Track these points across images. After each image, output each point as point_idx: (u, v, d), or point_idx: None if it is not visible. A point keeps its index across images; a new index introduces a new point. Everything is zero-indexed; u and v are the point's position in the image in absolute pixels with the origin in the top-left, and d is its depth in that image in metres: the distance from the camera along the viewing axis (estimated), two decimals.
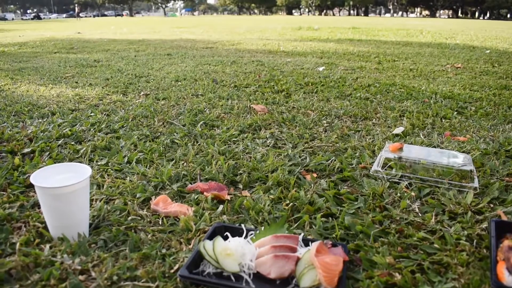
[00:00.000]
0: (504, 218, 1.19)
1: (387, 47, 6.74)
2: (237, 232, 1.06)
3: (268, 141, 1.88)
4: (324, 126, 2.14)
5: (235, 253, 0.94)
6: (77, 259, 0.97)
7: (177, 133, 1.99)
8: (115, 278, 0.91)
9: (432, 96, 2.85)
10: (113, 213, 1.21)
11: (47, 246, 1.02)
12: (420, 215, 1.21)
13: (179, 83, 3.35)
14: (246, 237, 1.05)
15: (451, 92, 2.98)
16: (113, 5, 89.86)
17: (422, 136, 1.99)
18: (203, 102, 2.65)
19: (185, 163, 1.60)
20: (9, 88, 3.12)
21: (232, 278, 0.92)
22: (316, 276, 0.89)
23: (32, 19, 56.82)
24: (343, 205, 1.27)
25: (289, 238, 1.01)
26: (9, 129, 2.04)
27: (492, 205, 1.27)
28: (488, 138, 1.94)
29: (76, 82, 3.38)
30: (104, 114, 2.34)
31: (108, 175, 1.50)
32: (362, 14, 74.18)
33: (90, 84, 3.31)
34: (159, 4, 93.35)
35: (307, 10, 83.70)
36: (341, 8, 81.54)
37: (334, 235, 1.10)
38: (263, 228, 1.09)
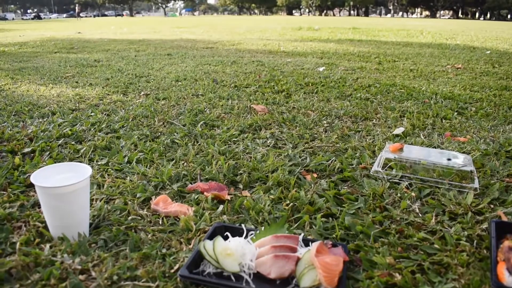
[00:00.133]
0: (504, 218, 1.19)
1: (387, 48, 6.74)
2: (237, 232, 1.06)
3: (268, 141, 1.88)
4: (324, 126, 2.14)
5: (235, 253, 0.94)
6: (77, 259, 0.97)
7: (177, 133, 1.99)
8: (115, 277, 0.91)
9: (433, 96, 2.85)
10: (113, 212, 1.21)
11: (47, 245, 1.02)
12: (420, 215, 1.21)
13: (180, 83, 3.35)
14: (246, 237, 1.05)
15: (451, 92, 2.98)
16: (113, 5, 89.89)
17: (422, 137, 1.99)
18: (204, 102, 2.65)
19: (185, 163, 1.60)
20: (9, 88, 3.12)
21: (232, 278, 0.92)
22: (316, 276, 0.89)
23: (32, 19, 56.86)
24: (343, 205, 1.27)
25: (289, 238, 1.01)
26: (9, 128, 2.04)
27: (492, 206, 1.27)
28: (489, 139, 1.94)
29: (77, 82, 3.38)
30: (105, 114, 2.34)
31: (108, 174, 1.50)
32: (363, 15, 74.20)
33: (91, 84, 3.31)
34: (159, 4, 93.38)
35: (307, 10, 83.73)
36: (341, 8, 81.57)
37: (334, 235, 1.10)
38: (263, 228, 1.09)
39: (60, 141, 1.86)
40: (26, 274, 0.92)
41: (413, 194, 1.33)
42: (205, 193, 1.33)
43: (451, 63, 4.73)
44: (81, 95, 2.86)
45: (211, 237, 1.03)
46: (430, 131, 2.08)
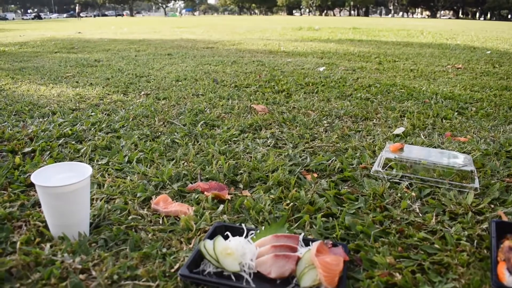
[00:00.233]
0: (504, 218, 1.19)
1: (387, 48, 6.74)
2: (237, 232, 1.06)
3: (268, 141, 1.88)
4: (324, 126, 2.14)
5: (235, 252, 0.94)
6: (77, 258, 0.97)
7: (177, 133, 1.99)
8: (115, 277, 0.91)
9: (433, 96, 2.85)
10: (114, 212, 1.21)
11: (48, 245, 1.02)
12: (420, 215, 1.21)
13: (180, 83, 3.35)
14: (246, 236, 1.05)
15: (451, 92, 2.98)
16: (113, 5, 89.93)
17: (422, 137, 1.99)
18: (204, 102, 2.65)
19: (185, 163, 1.60)
20: (9, 88, 3.12)
21: (233, 277, 0.92)
22: (316, 275, 0.89)
23: (32, 19, 56.87)
24: (343, 205, 1.27)
25: (290, 238, 1.01)
26: (9, 128, 2.04)
27: (492, 206, 1.27)
28: (489, 139, 1.94)
29: (77, 82, 3.39)
30: (105, 114, 2.35)
31: (108, 174, 1.50)
32: (363, 15, 74.19)
33: (91, 83, 3.31)
34: (160, 4, 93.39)
35: (307, 10, 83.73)
36: (341, 8, 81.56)
37: (334, 235, 1.10)
38: (263, 227, 1.09)
39: (60, 141, 1.86)
40: (26, 274, 0.92)
41: (413, 194, 1.33)
42: (205, 192, 1.33)
43: (451, 63, 4.73)
44: (81, 95, 2.86)
45: (211, 236, 1.03)
46: (430, 131, 2.08)
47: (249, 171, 1.52)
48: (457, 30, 13.66)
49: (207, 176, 1.47)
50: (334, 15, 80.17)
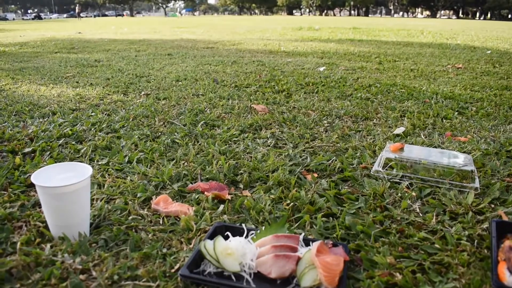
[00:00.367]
0: (505, 218, 1.19)
1: (388, 48, 6.73)
2: (237, 232, 1.06)
3: (268, 141, 1.88)
4: (324, 126, 2.13)
5: (235, 252, 0.94)
6: (77, 259, 0.97)
7: (177, 133, 1.99)
8: (115, 277, 0.91)
9: (433, 96, 2.85)
10: (114, 212, 1.21)
11: (48, 245, 1.02)
12: (421, 215, 1.21)
13: (180, 83, 3.35)
14: (246, 236, 1.04)
15: (452, 92, 2.98)
16: (113, 5, 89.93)
17: (423, 136, 1.99)
18: (204, 102, 2.65)
19: (185, 163, 1.60)
20: (10, 88, 3.12)
21: (233, 277, 0.92)
22: (316, 275, 0.89)
23: (33, 19, 56.89)
24: (343, 205, 1.27)
25: (290, 238, 1.01)
26: (10, 128, 2.04)
27: (493, 206, 1.27)
28: (489, 139, 1.94)
29: (77, 82, 3.39)
30: (105, 114, 2.35)
31: (109, 174, 1.50)
32: (363, 15, 74.18)
33: (91, 84, 3.31)
34: (160, 4, 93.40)
35: (307, 10, 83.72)
36: (341, 8, 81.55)
37: (334, 235, 1.10)
38: (263, 227, 1.09)
39: (60, 141, 1.86)
40: (26, 274, 0.92)
41: (413, 193, 1.33)
42: (205, 192, 1.33)
43: (451, 63, 4.73)
44: (81, 95, 2.86)
45: (211, 236, 1.03)
46: (430, 131, 2.08)
47: (249, 171, 1.52)
48: (457, 30, 13.66)
49: (207, 176, 1.47)
50: (334, 15, 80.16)
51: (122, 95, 2.89)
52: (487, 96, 2.89)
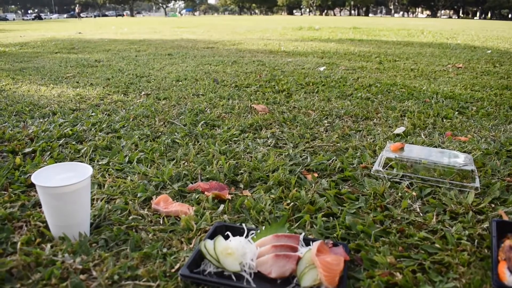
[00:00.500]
0: (505, 218, 1.19)
1: (388, 47, 6.73)
2: (238, 232, 1.06)
3: (269, 141, 1.88)
4: (325, 126, 2.13)
5: (236, 252, 0.94)
6: (78, 259, 0.97)
7: (178, 133, 1.99)
8: (116, 277, 0.91)
9: (433, 96, 2.85)
10: (114, 212, 1.21)
11: (48, 245, 1.02)
12: (421, 215, 1.21)
13: (180, 83, 3.35)
14: (247, 236, 1.04)
15: (452, 92, 2.98)
16: (114, 5, 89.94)
17: (423, 136, 1.99)
18: (204, 102, 2.65)
19: (186, 163, 1.60)
20: (10, 88, 3.13)
21: (233, 277, 0.92)
22: (317, 275, 0.89)
23: (33, 19, 56.92)
24: (344, 204, 1.27)
25: (290, 238, 1.01)
26: (10, 128, 2.05)
27: (493, 205, 1.27)
28: (489, 138, 1.94)
29: (77, 82, 3.39)
30: (105, 114, 2.35)
31: (109, 174, 1.50)
32: (363, 14, 74.17)
33: (91, 84, 3.31)
34: (160, 5, 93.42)
35: (308, 10, 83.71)
36: (342, 8, 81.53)
37: (335, 235, 1.10)
38: (264, 227, 1.09)
39: (61, 141, 1.86)
40: (27, 274, 0.92)
41: (414, 193, 1.33)
42: (205, 192, 1.33)
43: (452, 63, 4.73)
44: (81, 95, 2.86)
45: (211, 236, 1.03)
46: (431, 131, 2.08)
47: (249, 171, 1.52)
48: (458, 30, 13.65)
49: (207, 176, 1.47)
50: (335, 14, 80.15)
51: (122, 95, 2.89)
52: (488, 95, 2.89)
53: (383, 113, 2.40)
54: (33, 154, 1.71)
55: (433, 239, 1.07)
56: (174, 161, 1.62)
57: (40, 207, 1.22)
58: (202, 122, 2.16)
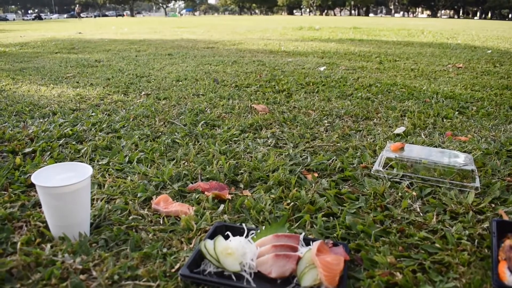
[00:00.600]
0: (505, 217, 1.19)
1: (388, 47, 6.73)
2: (238, 232, 1.06)
3: (269, 141, 1.88)
4: (325, 125, 2.13)
5: (236, 252, 0.94)
6: (78, 259, 0.97)
7: (178, 133, 1.99)
8: (116, 277, 0.91)
9: (434, 96, 2.85)
10: (114, 212, 1.21)
11: (48, 245, 1.02)
12: (421, 214, 1.21)
13: (180, 83, 3.35)
14: (247, 236, 1.04)
15: (452, 92, 2.98)
16: (114, 5, 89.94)
17: (423, 136, 1.99)
18: (204, 102, 2.65)
19: (186, 163, 1.60)
20: (10, 88, 3.13)
21: (233, 277, 0.92)
22: (317, 275, 0.88)
23: (33, 19, 56.93)
24: (344, 204, 1.27)
25: (290, 238, 1.01)
26: (10, 129, 2.05)
27: (493, 205, 1.27)
28: (490, 138, 1.94)
29: (77, 82, 3.39)
30: (105, 114, 2.35)
31: (109, 174, 1.50)
32: (363, 14, 74.16)
33: (91, 84, 3.31)
34: (160, 5, 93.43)
35: (308, 10, 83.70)
36: (342, 8, 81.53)
37: (335, 235, 1.10)
38: (264, 227, 1.09)
39: (61, 141, 1.86)
40: (27, 274, 0.92)
41: (414, 193, 1.33)
42: (205, 192, 1.33)
43: (452, 63, 4.73)
44: (82, 95, 2.86)
45: (212, 236, 1.03)
46: (431, 131, 2.08)
47: (249, 171, 1.52)
48: (458, 30, 13.65)
49: (207, 176, 1.47)
50: (335, 14, 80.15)
51: (122, 95, 2.89)
52: (488, 95, 2.89)
53: (383, 113, 2.40)
54: (33, 154, 1.71)
55: (433, 239, 1.07)
56: (174, 161, 1.62)
57: (40, 207, 1.22)
58: (202, 122, 2.16)
